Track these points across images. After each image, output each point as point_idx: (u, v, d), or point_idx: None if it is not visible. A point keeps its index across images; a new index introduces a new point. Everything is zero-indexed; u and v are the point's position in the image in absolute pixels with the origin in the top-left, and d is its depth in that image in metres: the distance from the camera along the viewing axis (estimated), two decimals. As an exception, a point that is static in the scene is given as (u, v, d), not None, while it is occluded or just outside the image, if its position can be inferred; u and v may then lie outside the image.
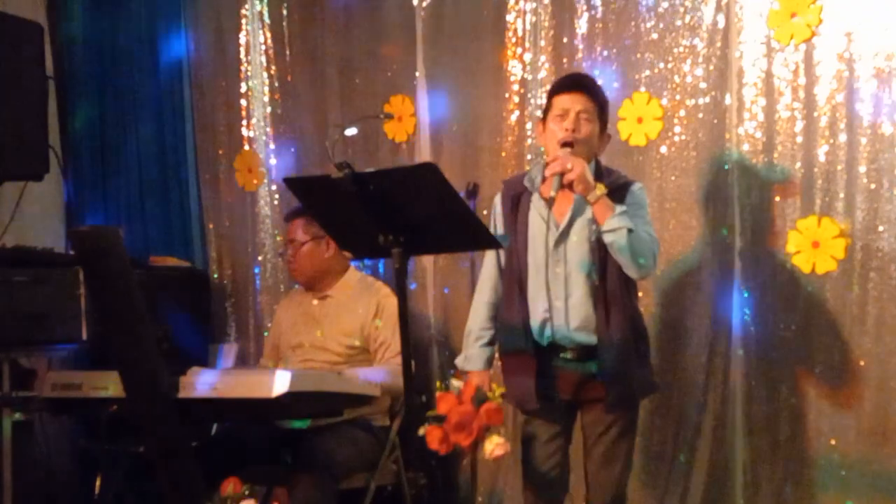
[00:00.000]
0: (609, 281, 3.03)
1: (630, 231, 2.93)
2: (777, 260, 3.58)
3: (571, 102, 3.06)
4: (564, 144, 3.01)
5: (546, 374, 3.13)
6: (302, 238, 3.99)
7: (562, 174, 2.93)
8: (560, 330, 3.09)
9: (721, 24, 3.68)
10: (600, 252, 3.03)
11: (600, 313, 3.04)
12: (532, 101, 4.07)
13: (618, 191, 3.05)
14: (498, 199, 3.27)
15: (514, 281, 3.16)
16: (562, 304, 3.07)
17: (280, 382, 3.04)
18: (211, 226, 4.95)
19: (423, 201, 2.69)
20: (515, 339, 3.14)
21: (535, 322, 3.12)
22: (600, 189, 2.96)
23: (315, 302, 4.05)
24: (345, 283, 4.04)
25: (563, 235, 3.08)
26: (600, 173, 3.11)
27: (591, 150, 3.10)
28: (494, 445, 2.93)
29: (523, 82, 4.08)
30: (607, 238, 2.97)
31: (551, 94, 3.14)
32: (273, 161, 4.79)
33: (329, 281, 4.04)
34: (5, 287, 3.62)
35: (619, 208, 2.97)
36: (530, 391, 3.11)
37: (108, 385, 3.33)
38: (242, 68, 4.81)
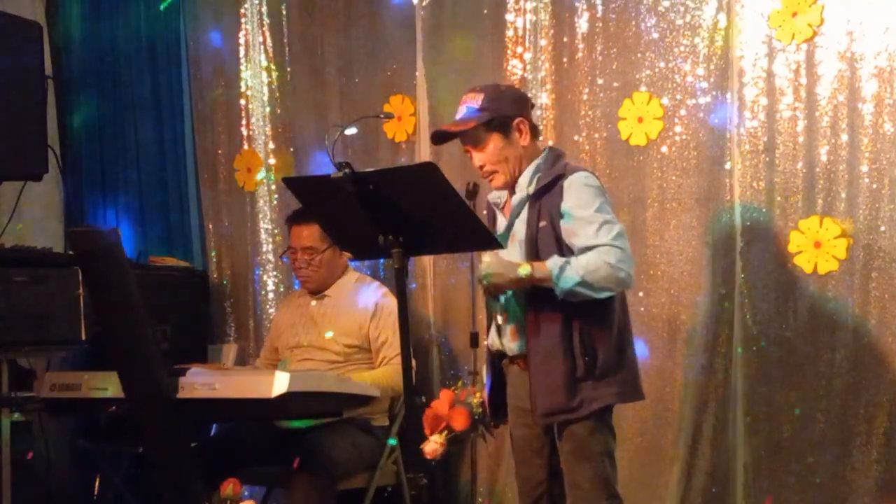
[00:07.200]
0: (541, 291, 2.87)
1: (579, 283, 2.78)
2: (778, 260, 3.57)
3: (464, 147, 3.08)
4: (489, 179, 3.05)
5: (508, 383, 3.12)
6: (320, 246, 3.96)
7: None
8: (504, 338, 3.03)
9: (722, 24, 3.67)
10: (531, 255, 2.92)
11: (531, 319, 2.92)
12: (532, 100, 4.04)
13: (547, 189, 2.93)
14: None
15: None
16: (507, 312, 3.02)
17: (280, 382, 3.04)
18: (210, 226, 4.94)
19: (423, 201, 2.69)
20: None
21: (493, 332, 3.09)
22: (523, 269, 2.82)
23: (313, 302, 4.04)
24: (343, 283, 4.04)
25: (503, 240, 3.01)
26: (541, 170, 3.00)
27: (510, 159, 3.02)
28: (429, 442, 3.15)
29: (523, 81, 4.06)
30: (571, 301, 2.81)
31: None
32: (273, 161, 4.78)
33: (330, 282, 4.04)
34: (5, 287, 3.61)
35: (554, 266, 2.79)
36: (491, 402, 3.16)
37: (108, 385, 3.33)
38: (242, 68, 4.81)
